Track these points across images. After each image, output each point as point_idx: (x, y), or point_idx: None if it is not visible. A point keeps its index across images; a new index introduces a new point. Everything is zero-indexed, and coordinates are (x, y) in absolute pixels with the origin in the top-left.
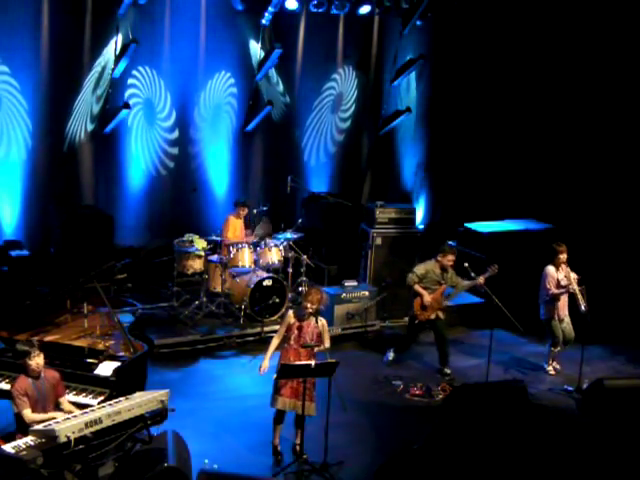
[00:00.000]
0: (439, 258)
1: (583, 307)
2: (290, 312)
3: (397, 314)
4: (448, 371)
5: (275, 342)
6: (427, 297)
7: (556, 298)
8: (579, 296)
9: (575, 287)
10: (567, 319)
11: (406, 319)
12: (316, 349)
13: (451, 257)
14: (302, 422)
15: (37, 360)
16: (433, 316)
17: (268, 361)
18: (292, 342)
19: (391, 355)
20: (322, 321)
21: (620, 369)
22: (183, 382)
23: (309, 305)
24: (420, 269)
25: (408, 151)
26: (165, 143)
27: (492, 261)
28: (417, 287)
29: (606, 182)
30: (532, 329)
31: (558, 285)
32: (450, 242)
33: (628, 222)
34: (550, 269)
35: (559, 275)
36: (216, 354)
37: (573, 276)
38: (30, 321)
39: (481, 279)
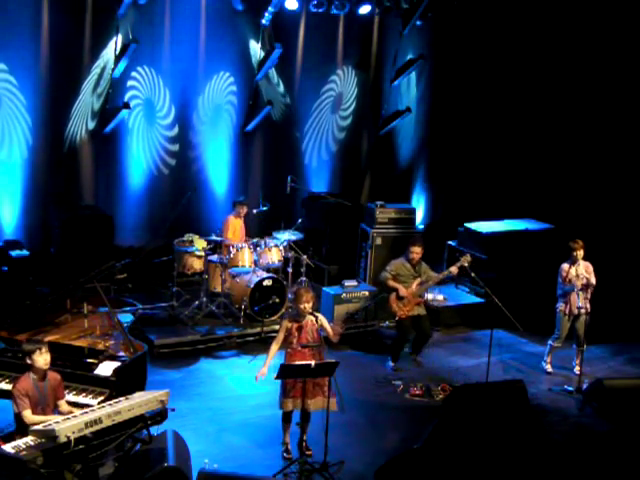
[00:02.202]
0: (406, 253)
1: (579, 304)
2: (286, 318)
3: None
4: (417, 358)
5: (274, 348)
6: (402, 289)
7: (566, 293)
8: (581, 295)
9: (578, 286)
10: (581, 318)
11: None
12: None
13: (414, 249)
14: (307, 420)
15: (45, 357)
16: (415, 312)
17: (267, 368)
18: (295, 345)
19: (391, 364)
20: (319, 316)
21: (620, 369)
22: (183, 382)
23: (306, 306)
24: (392, 266)
25: (408, 151)
26: (165, 143)
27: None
28: (391, 282)
29: (606, 182)
30: (532, 329)
31: (567, 281)
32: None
33: (628, 222)
34: (563, 265)
35: (571, 272)
36: (216, 354)
37: (586, 275)
38: (30, 321)
39: (453, 269)
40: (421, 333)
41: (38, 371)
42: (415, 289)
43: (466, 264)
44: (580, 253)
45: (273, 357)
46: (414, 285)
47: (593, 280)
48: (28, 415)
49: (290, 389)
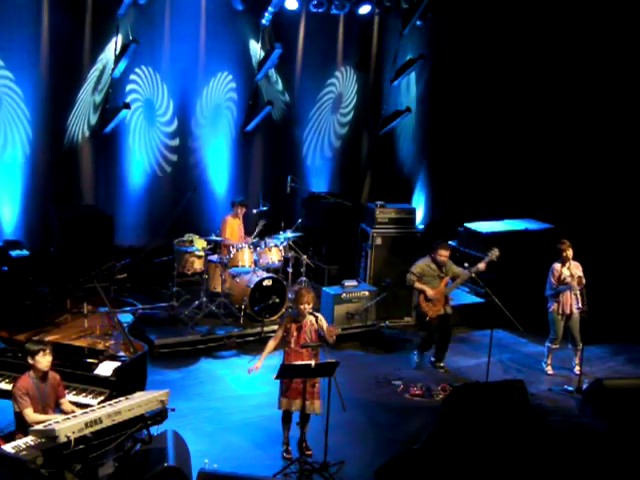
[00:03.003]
0: (432, 255)
1: (579, 305)
2: (287, 317)
3: (397, 314)
4: (442, 364)
5: (271, 344)
6: (429, 291)
7: (559, 293)
8: (579, 295)
9: (574, 285)
10: (574, 317)
11: (407, 319)
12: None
13: (443, 252)
14: (307, 420)
15: (49, 358)
16: (442, 311)
17: (261, 363)
18: (292, 344)
19: (416, 358)
20: (320, 316)
21: (620, 369)
22: (183, 382)
23: (306, 306)
24: (416, 268)
25: (408, 151)
26: (165, 143)
27: (492, 261)
28: (417, 285)
29: (606, 182)
30: (532, 329)
31: (560, 281)
32: (450, 242)
33: (628, 222)
34: (555, 265)
35: (564, 271)
36: (216, 354)
37: (579, 274)
38: (30, 321)
39: (481, 265)
40: (443, 333)
41: (39, 372)
42: (443, 289)
43: (495, 259)
44: (569, 253)
45: (269, 354)
46: (442, 284)
47: (583, 280)
48: (29, 414)
49: (286, 389)
